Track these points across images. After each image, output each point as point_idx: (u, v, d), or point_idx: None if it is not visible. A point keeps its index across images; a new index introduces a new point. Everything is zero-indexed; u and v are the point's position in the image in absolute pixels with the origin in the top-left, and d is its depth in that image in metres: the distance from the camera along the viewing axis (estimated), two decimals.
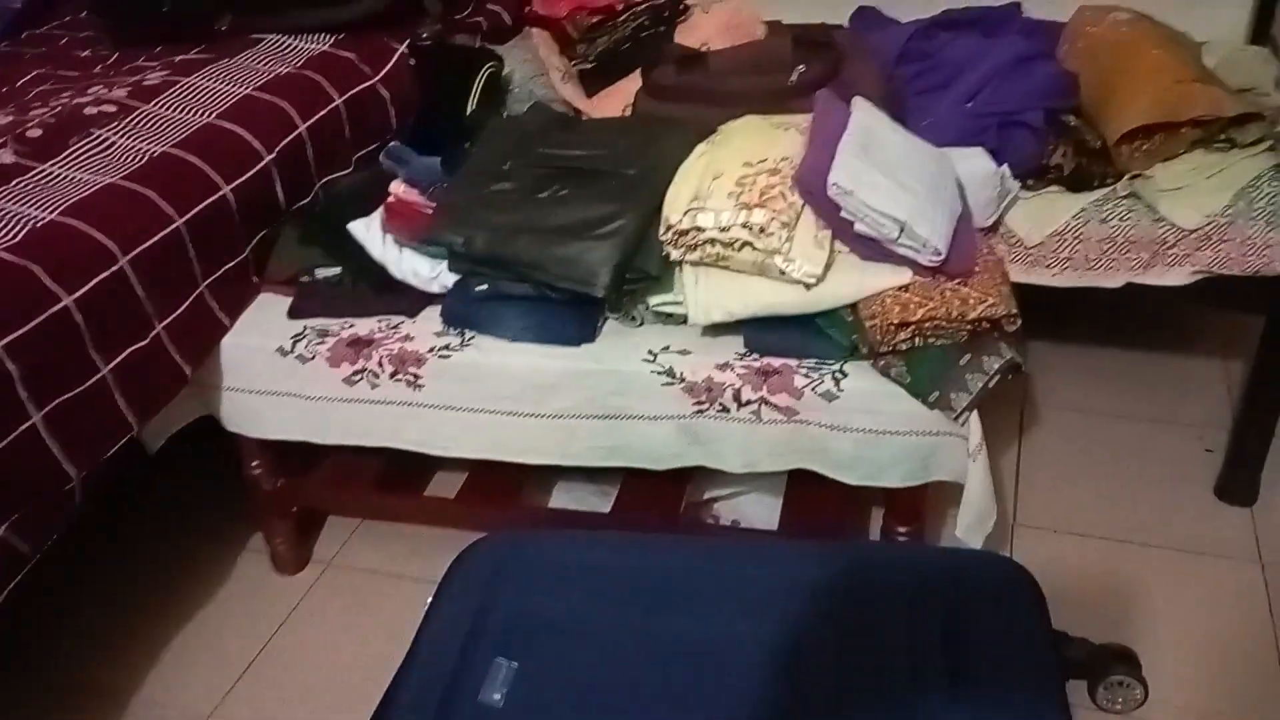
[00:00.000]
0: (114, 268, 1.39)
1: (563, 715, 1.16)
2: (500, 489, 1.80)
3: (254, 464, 1.76)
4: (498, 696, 1.17)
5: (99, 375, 1.38)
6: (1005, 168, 1.64)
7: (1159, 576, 1.73)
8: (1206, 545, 1.78)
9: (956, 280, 1.36)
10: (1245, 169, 1.64)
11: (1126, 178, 1.68)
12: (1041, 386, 2.17)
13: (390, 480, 1.85)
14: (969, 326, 1.34)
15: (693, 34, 2.13)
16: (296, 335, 1.58)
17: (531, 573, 1.31)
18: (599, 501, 1.80)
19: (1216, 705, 1.51)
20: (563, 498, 1.86)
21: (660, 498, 1.73)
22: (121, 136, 1.58)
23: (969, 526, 1.44)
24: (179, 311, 1.51)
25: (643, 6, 2.19)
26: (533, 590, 1.28)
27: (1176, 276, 1.67)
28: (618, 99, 1.96)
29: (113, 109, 1.66)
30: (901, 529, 1.55)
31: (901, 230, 1.34)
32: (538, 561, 1.33)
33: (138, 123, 1.62)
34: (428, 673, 1.21)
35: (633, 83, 1.93)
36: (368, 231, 1.59)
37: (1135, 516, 1.85)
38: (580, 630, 1.22)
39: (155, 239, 1.45)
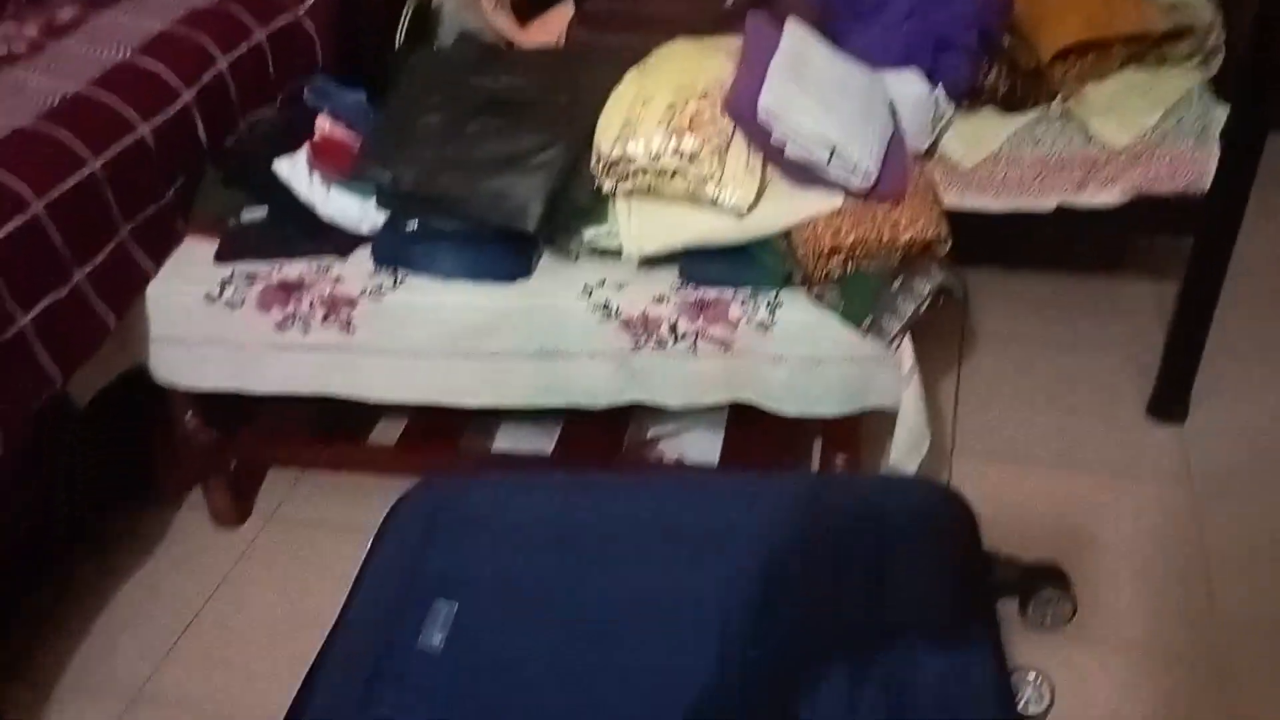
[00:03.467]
0: (28, 215, 1.35)
1: (503, 658, 1.14)
2: (442, 434, 1.79)
3: (188, 416, 1.73)
4: (437, 640, 1.15)
5: (17, 328, 1.34)
6: (940, 90, 1.63)
7: (1092, 498, 1.76)
8: (1138, 466, 1.82)
9: (888, 204, 1.36)
10: (1175, 86, 1.66)
11: (1059, 98, 1.69)
12: (979, 316, 2.19)
13: (330, 430, 1.82)
14: (900, 250, 1.34)
15: None
16: (224, 280, 1.54)
17: (469, 518, 1.28)
18: (542, 444, 1.80)
19: (1145, 619, 1.55)
20: (505, 441, 1.85)
21: (602, 438, 1.73)
22: (32, 76, 1.52)
23: (903, 453, 1.46)
24: (99, 259, 1.46)
25: None
26: (471, 535, 1.26)
27: (1108, 196, 1.68)
28: (550, 28, 1.92)
29: (22, 48, 1.59)
30: (839, 459, 1.56)
31: (832, 154, 1.33)
32: (475, 507, 1.31)
33: (49, 61, 1.56)
34: (365, 620, 1.18)
35: (565, 10, 1.89)
36: (293, 170, 1.55)
37: (1070, 440, 1.88)
38: (520, 574, 1.20)
39: (71, 183, 1.40)
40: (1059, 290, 2.25)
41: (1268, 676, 1.47)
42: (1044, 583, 1.41)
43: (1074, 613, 1.41)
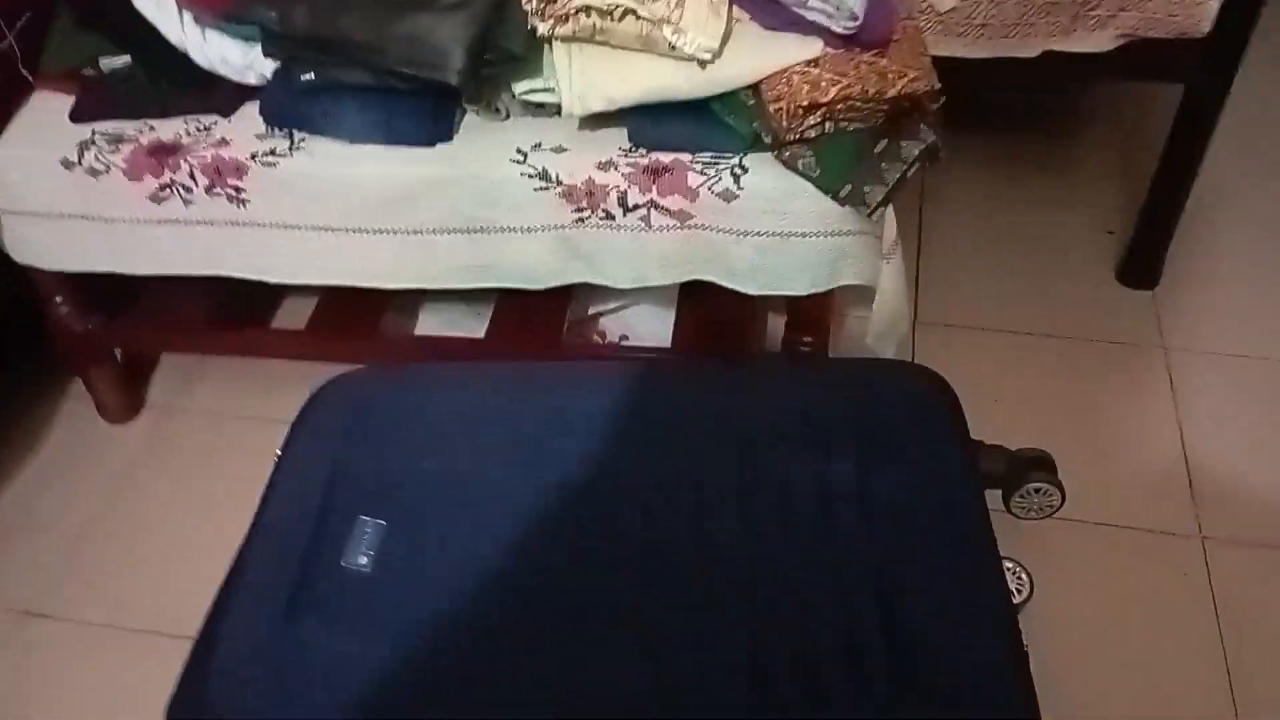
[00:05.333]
0: None
1: (440, 575, 1.00)
2: (358, 315, 1.59)
3: (58, 301, 1.50)
4: (364, 560, 1.02)
5: None
6: None
7: (1063, 368, 1.68)
8: (1109, 332, 1.74)
9: (873, 52, 1.17)
10: None
11: None
12: (937, 176, 2.04)
13: (227, 312, 1.61)
14: (886, 106, 1.16)
15: None
16: (83, 143, 1.29)
17: (394, 415, 1.13)
18: (472, 324, 1.62)
19: (1121, 493, 1.48)
20: (431, 321, 1.66)
21: (540, 317, 1.56)
22: None
23: (880, 334, 1.32)
24: None
25: None
26: (397, 436, 1.10)
27: (1098, 41, 1.51)
28: None
29: None
30: (805, 339, 1.41)
31: None
32: (401, 402, 1.15)
33: None
34: (280, 539, 1.03)
35: None
36: (160, 9, 1.28)
37: (1037, 306, 1.78)
38: (454, 479, 1.06)
39: None
40: (1021, 147, 2.11)
41: (1248, 547, 1.42)
42: (1031, 473, 1.31)
43: (1062, 502, 1.33)
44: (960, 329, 1.75)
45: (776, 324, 1.55)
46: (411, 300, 1.66)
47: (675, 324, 1.56)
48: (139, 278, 1.42)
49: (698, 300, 1.55)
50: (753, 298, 1.39)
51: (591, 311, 1.64)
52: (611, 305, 1.63)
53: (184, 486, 1.58)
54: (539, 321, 1.56)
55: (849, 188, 1.18)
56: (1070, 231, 1.92)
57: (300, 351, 1.60)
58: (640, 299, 1.62)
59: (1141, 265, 1.80)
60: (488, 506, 1.03)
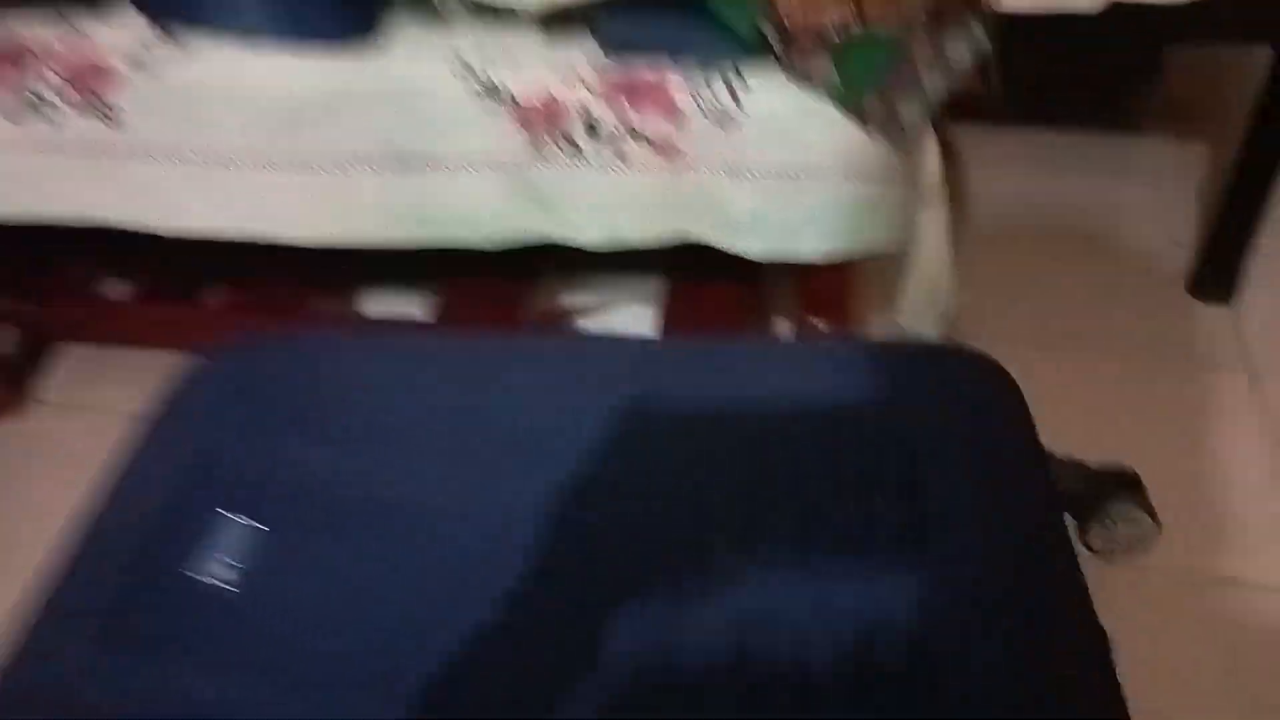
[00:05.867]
0: None
1: (321, 600, 0.73)
2: (281, 297, 1.33)
3: None
4: (220, 569, 0.76)
5: None
6: None
7: (1128, 393, 1.40)
8: (1181, 352, 1.46)
9: None
10: None
11: None
12: (977, 172, 1.78)
13: (140, 291, 1.36)
14: None
15: None
16: None
17: (288, 393, 0.87)
18: (417, 314, 1.36)
19: (1214, 542, 1.19)
20: (369, 309, 1.40)
21: (497, 305, 1.31)
22: None
23: (918, 305, 1.05)
24: None
25: None
26: (288, 419, 0.84)
27: None
28: None
29: None
30: (820, 320, 1.13)
31: None
32: (298, 376, 0.89)
33: None
34: (111, 543, 0.79)
35: None
36: None
37: (1098, 321, 1.51)
38: (360, 476, 0.79)
39: None
40: (1068, 139, 1.84)
41: None
42: (1116, 495, 1.01)
43: (1152, 536, 1.02)
44: (1010, 345, 1.45)
45: (783, 329, 1.28)
46: (344, 285, 1.40)
47: (662, 318, 1.29)
48: (18, 237, 1.16)
49: (687, 292, 1.29)
50: (755, 288, 1.12)
51: (562, 305, 1.37)
52: (589, 300, 1.37)
53: (60, 498, 1.29)
54: (495, 312, 1.30)
55: (876, 102, 0.92)
56: (1127, 236, 1.66)
57: (214, 338, 1.33)
58: (622, 295, 1.36)
59: (1217, 275, 1.53)
60: (400, 516, 0.77)
